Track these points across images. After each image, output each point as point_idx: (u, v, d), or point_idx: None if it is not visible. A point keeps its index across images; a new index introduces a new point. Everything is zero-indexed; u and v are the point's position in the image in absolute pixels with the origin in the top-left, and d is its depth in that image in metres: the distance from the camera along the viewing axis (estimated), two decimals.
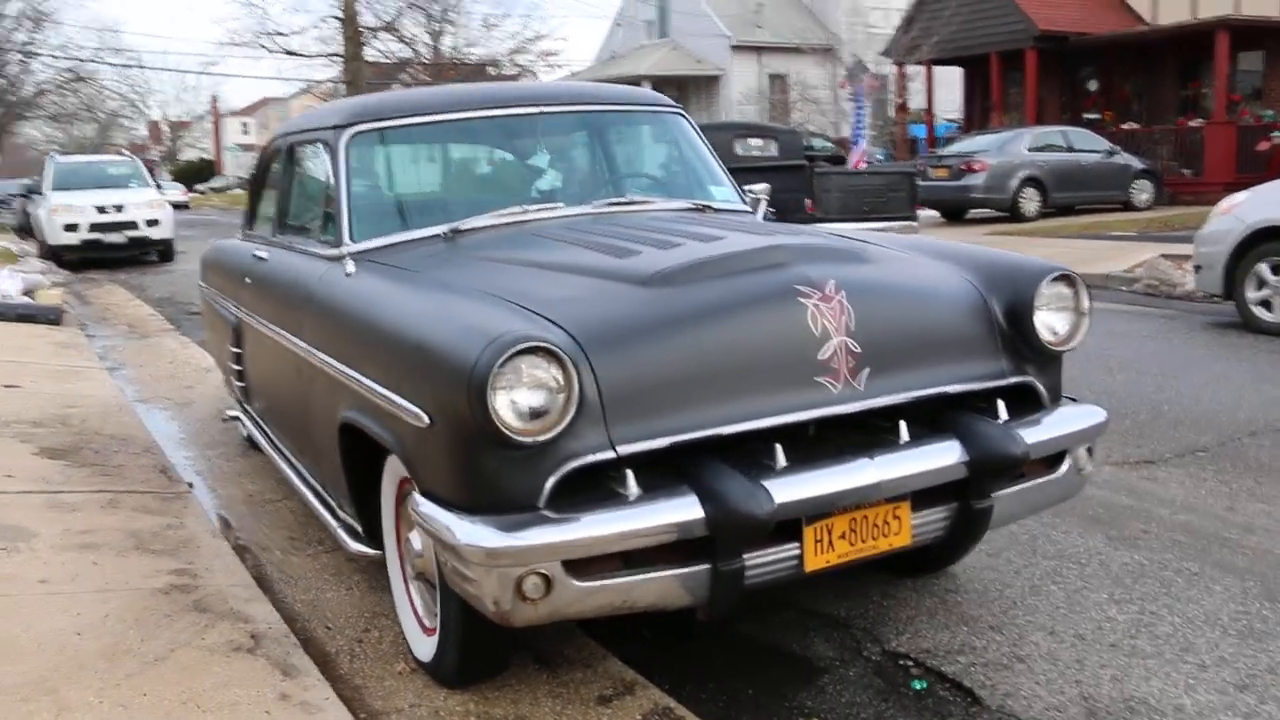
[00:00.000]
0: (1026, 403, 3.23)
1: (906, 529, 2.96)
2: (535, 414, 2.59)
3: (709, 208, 4.19)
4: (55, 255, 17.88)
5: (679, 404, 2.75)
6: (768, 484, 2.69)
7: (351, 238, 3.79)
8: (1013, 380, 3.17)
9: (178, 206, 47.44)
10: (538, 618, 2.68)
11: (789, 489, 2.72)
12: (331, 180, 3.96)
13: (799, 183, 13.87)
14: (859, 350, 2.88)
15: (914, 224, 14.63)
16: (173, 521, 4.55)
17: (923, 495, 2.97)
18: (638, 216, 3.91)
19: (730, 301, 2.88)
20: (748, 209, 4.39)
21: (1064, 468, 3.23)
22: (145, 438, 6.02)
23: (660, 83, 35.67)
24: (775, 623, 3.55)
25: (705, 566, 2.71)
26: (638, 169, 4.51)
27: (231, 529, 4.71)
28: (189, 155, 77.75)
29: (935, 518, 3.02)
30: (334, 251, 3.81)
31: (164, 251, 18.93)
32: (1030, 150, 18.62)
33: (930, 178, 19.11)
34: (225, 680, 3.10)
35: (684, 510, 2.64)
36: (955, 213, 19.37)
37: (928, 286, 3.20)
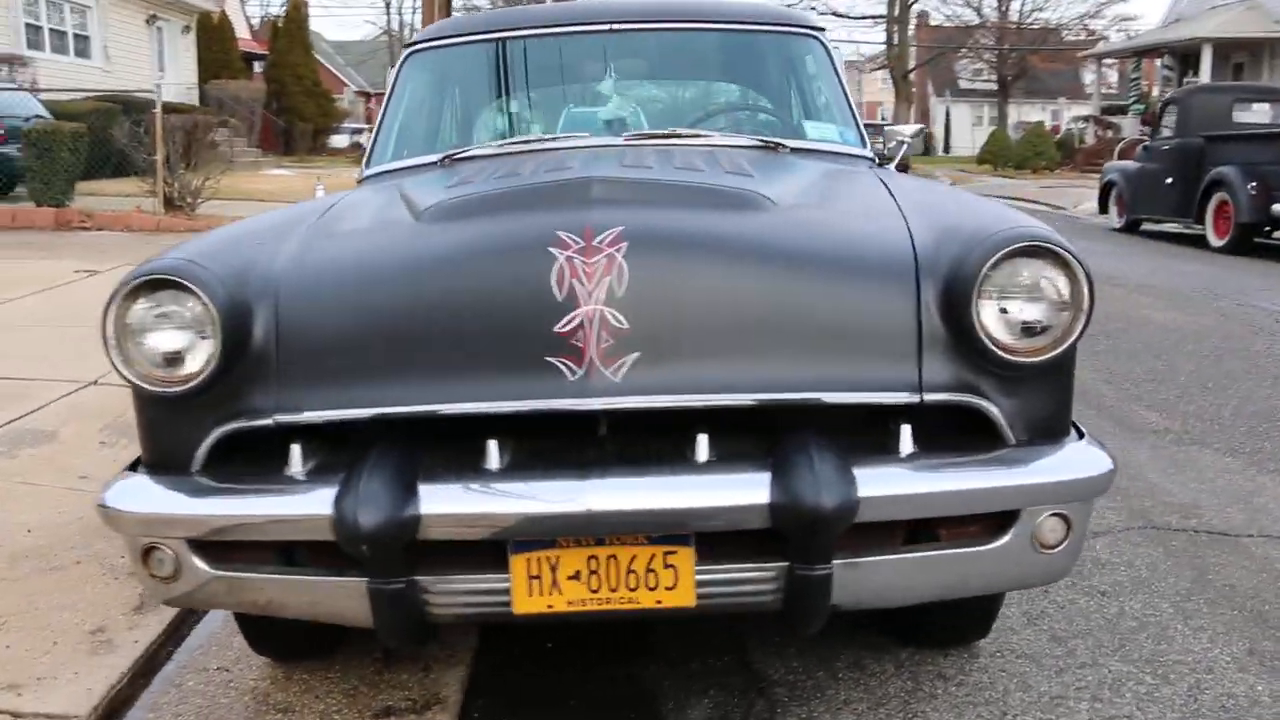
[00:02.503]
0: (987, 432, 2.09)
1: (687, 586, 2.00)
2: (171, 360, 2.05)
3: (781, 146, 3.24)
4: None
5: (381, 371, 2.04)
6: (440, 487, 1.94)
7: (368, 162, 3.46)
8: (935, 398, 2.03)
9: None
10: (180, 601, 2.17)
11: (447, 500, 1.93)
12: None
13: None
14: (623, 325, 1.96)
15: None
16: None
17: (727, 543, 2.01)
18: (651, 150, 3.10)
19: (471, 248, 2.11)
20: (852, 152, 3.35)
21: (1005, 538, 2.04)
22: None
23: (1226, 46, 30.88)
24: (690, 669, 2.65)
25: (362, 580, 2.01)
26: (727, 97, 3.62)
27: None
28: None
29: (745, 578, 2.02)
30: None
31: None
32: None
33: None
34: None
35: (311, 504, 1.97)
36: None
37: (808, 249, 2.12)
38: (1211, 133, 12.72)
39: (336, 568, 2.03)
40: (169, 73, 24.41)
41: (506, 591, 2.01)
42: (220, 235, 2.37)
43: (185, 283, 2.01)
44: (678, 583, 2.00)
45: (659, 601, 2.01)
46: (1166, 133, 13.50)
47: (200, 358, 2.03)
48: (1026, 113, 45.37)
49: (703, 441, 2.00)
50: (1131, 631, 2.79)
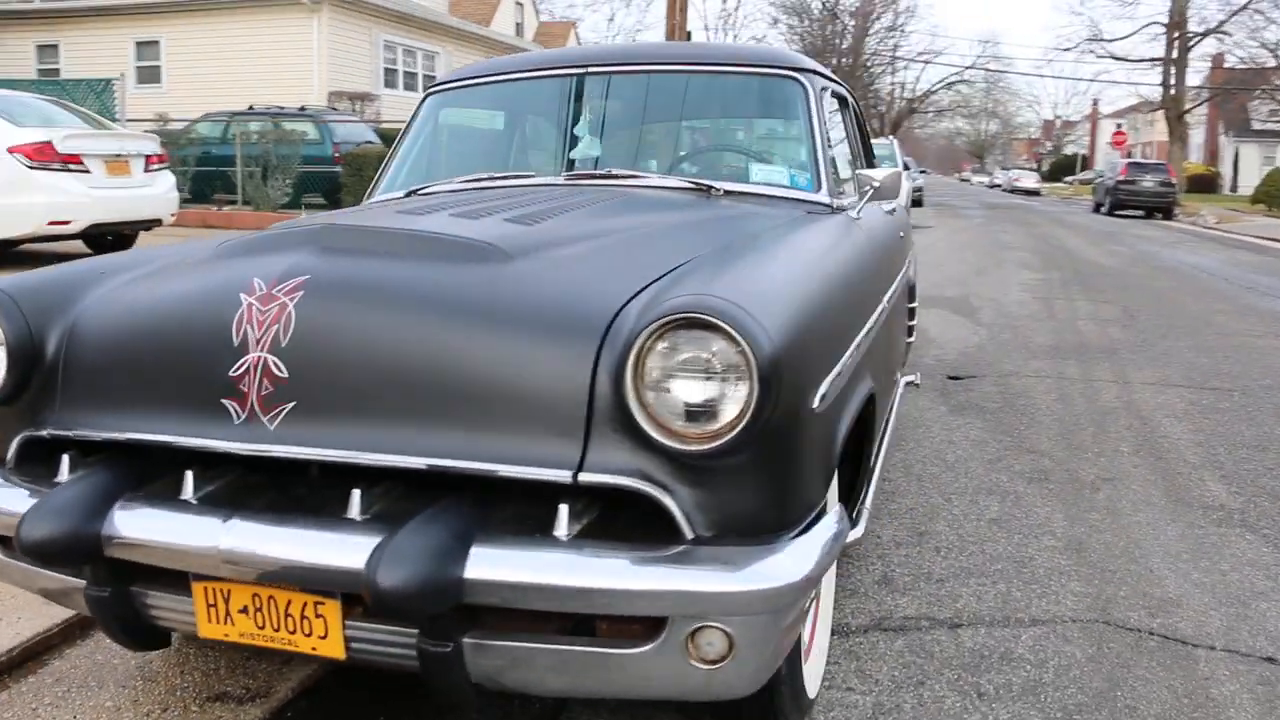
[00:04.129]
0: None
1: (336, 638, 1.75)
2: None
3: (714, 189, 2.88)
4: None
5: (122, 399, 1.94)
6: (127, 510, 1.80)
7: (369, 196, 3.41)
8: (593, 479, 1.64)
9: (1028, 193, 46.58)
10: None
11: (122, 523, 1.78)
12: None
13: None
14: (283, 374, 1.75)
15: None
16: None
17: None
18: (568, 190, 2.85)
19: (198, 288, 1.96)
20: (796, 196, 2.93)
21: (652, 645, 1.64)
22: None
23: None
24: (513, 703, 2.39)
25: (80, 583, 1.92)
26: (681, 140, 3.25)
27: None
28: (1070, 150, 76.13)
29: (389, 639, 1.74)
30: None
31: None
32: None
33: None
34: None
35: (16, 508, 1.88)
36: None
37: (499, 307, 1.78)
38: None
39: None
40: None
41: (193, 614, 1.85)
42: (68, 268, 2.30)
43: None
44: (328, 633, 1.76)
45: (314, 649, 1.78)
46: None
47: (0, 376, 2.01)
48: None
49: (355, 498, 1.74)
50: None
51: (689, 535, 1.65)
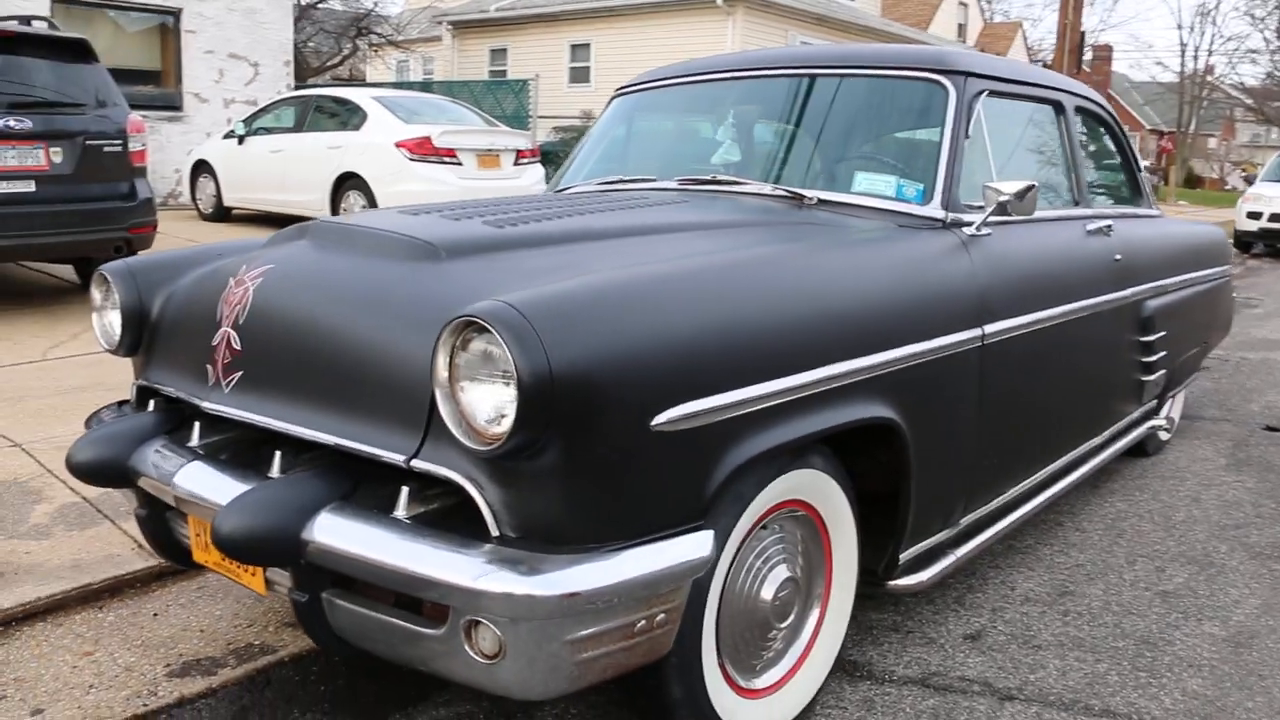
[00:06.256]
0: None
1: (259, 574, 2.05)
2: (105, 331, 2.54)
3: (806, 198, 2.82)
4: (1238, 241, 16.09)
5: (168, 358, 2.38)
6: (144, 449, 2.22)
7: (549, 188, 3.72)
8: (423, 466, 1.76)
9: None
10: None
11: (137, 457, 2.19)
12: None
13: None
14: (239, 347, 2.08)
15: None
16: None
17: None
18: (667, 195, 2.98)
19: (214, 273, 2.34)
20: (899, 209, 2.76)
21: (441, 630, 1.75)
22: None
23: None
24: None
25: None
26: (798, 146, 3.11)
27: None
28: None
29: (288, 584, 2.00)
30: None
31: None
32: None
33: None
34: None
35: None
36: None
37: (393, 300, 1.94)
38: None
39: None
40: None
41: (189, 541, 2.25)
42: (192, 250, 2.68)
43: (109, 278, 2.53)
44: (255, 572, 2.06)
45: (249, 583, 2.09)
46: None
47: (117, 331, 2.50)
48: None
49: (276, 458, 2.02)
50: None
51: (494, 533, 1.72)
